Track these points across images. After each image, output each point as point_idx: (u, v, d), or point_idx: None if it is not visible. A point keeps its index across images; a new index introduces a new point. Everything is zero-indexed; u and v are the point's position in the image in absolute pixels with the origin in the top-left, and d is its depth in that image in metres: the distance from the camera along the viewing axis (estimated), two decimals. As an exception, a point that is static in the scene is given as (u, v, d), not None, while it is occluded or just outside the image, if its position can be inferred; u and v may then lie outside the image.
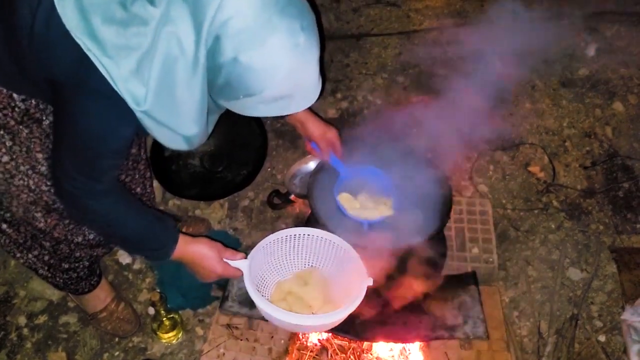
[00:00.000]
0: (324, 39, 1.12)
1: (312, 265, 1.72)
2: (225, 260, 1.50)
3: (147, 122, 1.12)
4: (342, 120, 2.57)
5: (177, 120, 1.14)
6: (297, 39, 1.05)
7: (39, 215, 1.47)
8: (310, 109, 1.56)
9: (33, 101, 1.31)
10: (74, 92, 1.13)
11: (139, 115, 1.10)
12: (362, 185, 1.85)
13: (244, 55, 1.04)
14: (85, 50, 1.05)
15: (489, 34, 2.62)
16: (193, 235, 1.49)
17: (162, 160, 2.24)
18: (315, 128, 1.73)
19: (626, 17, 2.91)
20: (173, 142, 1.20)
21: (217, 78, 1.09)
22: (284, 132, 2.51)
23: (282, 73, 1.07)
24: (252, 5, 1.02)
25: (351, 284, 1.57)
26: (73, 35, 1.05)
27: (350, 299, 1.49)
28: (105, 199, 1.29)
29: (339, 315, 1.47)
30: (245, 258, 1.53)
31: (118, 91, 1.07)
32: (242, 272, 1.50)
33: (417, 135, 2.46)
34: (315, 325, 1.51)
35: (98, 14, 1.05)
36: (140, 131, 1.18)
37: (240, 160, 2.31)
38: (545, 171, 2.37)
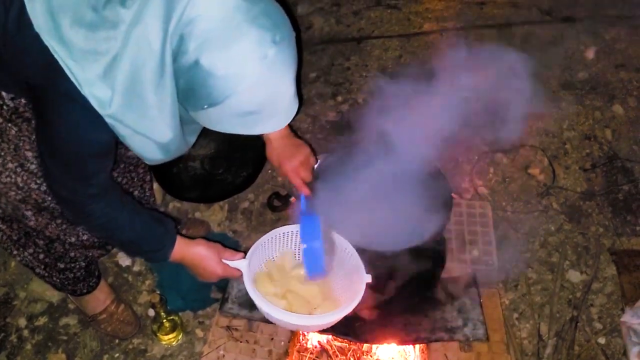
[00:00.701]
0: (302, 59, 1.08)
1: None
2: (224, 260, 1.50)
3: (118, 128, 1.09)
4: (342, 122, 2.57)
5: (149, 124, 1.10)
6: (265, 50, 1.00)
7: (29, 213, 1.47)
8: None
9: (22, 100, 1.29)
10: (46, 95, 1.11)
11: (107, 120, 1.07)
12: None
13: (205, 59, 0.99)
14: (53, 53, 1.03)
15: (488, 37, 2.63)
16: (191, 237, 1.50)
17: (162, 163, 2.24)
18: (280, 150, 1.63)
19: (625, 20, 2.91)
20: (147, 150, 1.16)
21: (180, 82, 1.05)
22: (284, 135, 2.51)
23: (247, 83, 1.01)
24: (223, 8, 0.98)
25: (350, 281, 1.58)
26: (41, 36, 1.03)
27: (349, 296, 1.49)
28: (100, 202, 1.28)
29: (339, 314, 1.47)
30: (244, 258, 1.53)
31: (84, 95, 1.04)
32: (241, 272, 1.51)
33: (417, 136, 2.47)
34: (315, 324, 1.52)
35: (67, 16, 1.03)
36: (119, 140, 1.15)
37: (240, 163, 2.31)
38: (545, 173, 2.38)
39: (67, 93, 1.05)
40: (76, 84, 1.03)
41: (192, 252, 1.46)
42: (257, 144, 2.30)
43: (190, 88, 1.05)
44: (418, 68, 2.75)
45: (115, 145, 1.26)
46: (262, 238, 1.61)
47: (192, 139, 1.30)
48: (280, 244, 1.68)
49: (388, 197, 1.83)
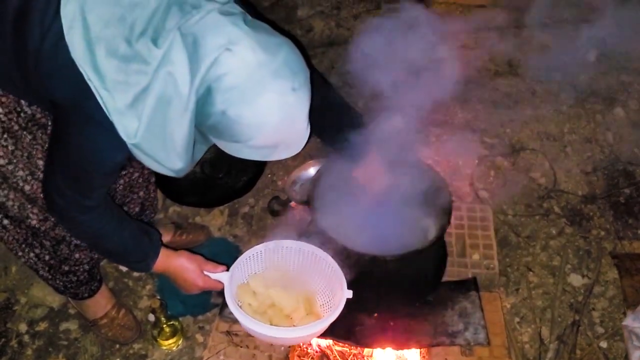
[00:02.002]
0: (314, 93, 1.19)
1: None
2: (206, 272, 1.53)
3: (136, 152, 1.16)
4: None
5: (165, 155, 1.17)
6: (286, 99, 1.10)
7: (33, 215, 1.50)
8: None
9: (39, 107, 1.35)
10: (72, 114, 1.17)
11: (129, 146, 1.14)
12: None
13: (233, 110, 1.08)
14: (87, 80, 1.08)
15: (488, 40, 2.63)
16: (175, 249, 1.54)
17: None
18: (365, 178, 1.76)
19: (627, 23, 2.91)
20: (159, 170, 1.23)
21: (206, 121, 1.13)
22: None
23: (269, 128, 1.11)
24: (247, 66, 1.06)
25: (333, 296, 1.60)
26: (77, 64, 1.09)
27: (332, 310, 1.51)
28: (93, 213, 1.33)
29: (316, 328, 1.48)
30: (227, 270, 1.56)
31: (112, 122, 1.10)
32: (222, 284, 1.53)
33: (418, 139, 2.47)
34: (293, 337, 1.53)
35: (102, 47, 1.09)
36: (132, 157, 1.21)
37: (241, 167, 2.31)
38: (546, 177, 2.37)
39: (93, 117, 1.12)
40: (106, 111, 1.10)
41: (174, 263, 1.51)
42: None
43: (216, 128, 1.14)
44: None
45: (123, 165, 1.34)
46: (248, 251, 1.63)
47: (199, 157, 1.36)
48: (268, 258, 1.68)
49: (388, 201, 1.83)
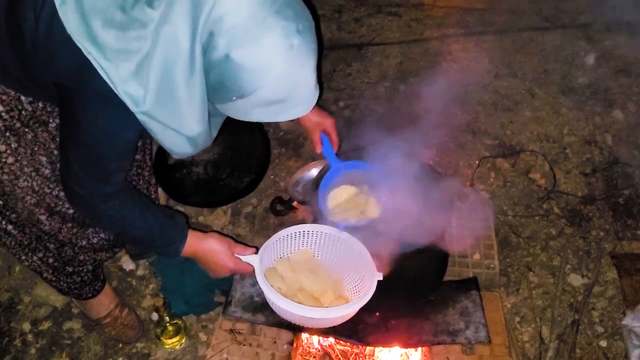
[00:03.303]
0: (323, 46, 1.13)
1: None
2: (236, 255, 1.50)
3: (149, 125, 1.12)
4: (345, 128, 2.59)
5: (180, 120, 1.13)
6: (291, 41, 1.04)
7: (43, 217, 1.50)
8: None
9: (40, 104, 1.34)
10: (77, 94, 1.14)
11: (140, 117, 1.10)
12: (356, 180, 1.80)
13: (236, 53, 1.03)
14: (86, 54, 1.06)
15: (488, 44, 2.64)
16: (203, 231, 1.50)
17: (166, 168, 2.26)
18: (310, 116, 1.68)
19: (625, 26, 2.93)
20: (177, 144, 1.20)
21: (210, 76, 1.08)
22: (287, 140, 2.53)
23: (275, 74, 1.06)
24: (248, 3, 1.01)
25: (362, 279, 1.60)
26: (74, 39, 1.06)
27: (361, 295, 1.50)
28: (114, 200, 1.31)
29: (349, 309, 1.46)
30: (256, 253, 1.53)
31: (117, 93, 1.07)
32: (252, 267, 1.50)
33: (419, 142, 2.49)
34: (326, 317, 1.48)
35: (98, 18, 1.06)
36: (145, 134, 1.18)
37: (244, 168, 2.33)
38: (546, 178, 2.39)
39: (99, 92, 1.09)
40: (109, 83, 1.06)
41: (203, 246, 1.46)
42: (259, 150, 2.34)
43: (220, 82, 1.08)
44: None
45: (137, 144, 1.28)
46: (275, 235, 1.60)
47: (215, 133, 1.32)
48: (294, 242, 1.68)
49: (389, 201, 1.84)
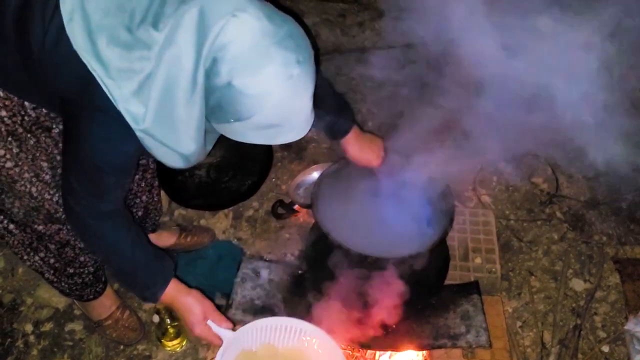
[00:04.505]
0: (319, 75, 1.21)
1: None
2: (209, 322, 1.44)
3: (146, 141, 1.15)
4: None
5: (176, 138, 1.16)
6: (291, 71, 1.08)
7: (39, 220, 1.51)
8: (356, 125, 1.67)
9: (44, 109, 1.35)
10: (79, 108, 1.17)
11: (138, 134, 1.13)
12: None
13: (238, 80, 1.06)
14: (90, 70, 1.09)
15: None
16: (189, 286, 1.47)
17: (168, 170, 2.26)
18: (355, 151, 1.74)
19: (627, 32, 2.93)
20: (171, 159, 1.22)
21: (210, 99, 1.11)
22: (288, 144, 2.53)
23: (273, 101, 1.09)
24: (252, 34, 1.05)
25: None
26: (79, 54, 1.09)
27: None
28: (107, 221, 1.31)
29: None
30: (232, 327, 1.46)
31: (119, 111, 1.10)
32: (221, 340, 1.42)
33: (421, 145, 2.48)
34: None
35: (104, 36, 1.09)
36: (143, 152, 1.20)
37: (246, 171, 2.34)
38: (549, 182, 2.38)
39: (101, 107, 1.12)
40: (112, 99, 1.09)
41: (179, 300, 1.43)
42: (262, 153, 2.34)
43: (219, 105, 1.11)
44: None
45: (137, 162, 1.31)
46: (272, 319, 1.51)
47: (210, 147, 1.34)
48: (289, 335, 1.52)
49: (391, 204, 1.85)
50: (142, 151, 1.20)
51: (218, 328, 1.43)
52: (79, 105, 1.17)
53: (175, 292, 1.42)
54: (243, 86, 1.06)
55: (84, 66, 1.09)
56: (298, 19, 1.19)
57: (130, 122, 1.10)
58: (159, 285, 1.41)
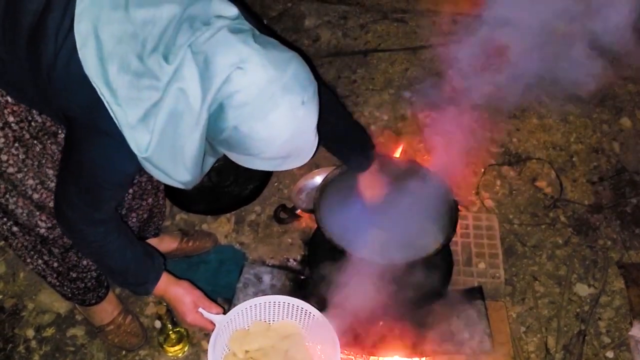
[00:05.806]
0: (341, 112, 1.36)
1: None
2: (200, 310, 1.49)
3: (146, 166, 1.18)
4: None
5: (174, 168, 1.18)
6: (296, 113, 1.12)
7: (42, 223, 1.51)
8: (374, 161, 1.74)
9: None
10: (85, 128, 1.20)
11: (140, 159, 1.16)
12: None
13: (245, 126, 1.10)
14: (100, 95, 1.10)
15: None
16: (177, 277, 1.52)
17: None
18: (363, 186, 1.80)
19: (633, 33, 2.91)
20: (169, 182, 1.24)
21: (218, 136, 1.15)
22: (291, 147, 2.53)
23: (280, 141, 1.13)
24: (258, 83, 1.08)
25: (328, 354, 1.55)
26: (90, 79, 1.10)
27: None
28: (100, 227, 1.34)
29: None
30: (223, 313, 1.51)
31: (124, 135, 1.12)
32: (214, 325, 1.48)
33: (424, 149, 2.48)
34: None
35: (115, 63, 1.10)
36: (142, 171, 1.23)
37: (248, 175, 2.33)
38: (553, 186, 2.37)
39: (107, 131, 1.14)
40: (118, 125, 1.11)
41: (171, 292, 1.49)
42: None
43: (227, 142, 1.15)
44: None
45: (133, 179, 1.35)
46: (246, 302, 1.55)
47: (207, 170, 1.36)
48: (281, 310, 1.59)
49: (394, 209, 1.84)
50: (142, 171, 1.22)
51: (209, 314, 1.49)
52: (84, 126, 1.19)
53: (165, 285, 1.48)
54: (250, 131, 1.10)
55: (93, 90, 1.11)
56: (297, 49, 1.25)
57: (135, 149, 1.13)
58: (150, 281, 1.46)
